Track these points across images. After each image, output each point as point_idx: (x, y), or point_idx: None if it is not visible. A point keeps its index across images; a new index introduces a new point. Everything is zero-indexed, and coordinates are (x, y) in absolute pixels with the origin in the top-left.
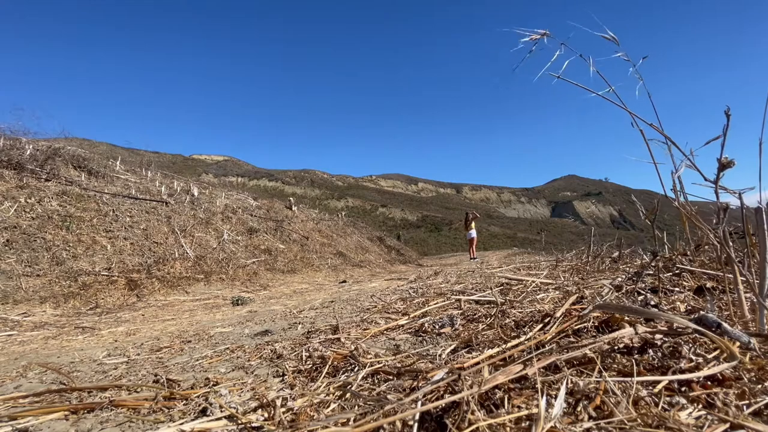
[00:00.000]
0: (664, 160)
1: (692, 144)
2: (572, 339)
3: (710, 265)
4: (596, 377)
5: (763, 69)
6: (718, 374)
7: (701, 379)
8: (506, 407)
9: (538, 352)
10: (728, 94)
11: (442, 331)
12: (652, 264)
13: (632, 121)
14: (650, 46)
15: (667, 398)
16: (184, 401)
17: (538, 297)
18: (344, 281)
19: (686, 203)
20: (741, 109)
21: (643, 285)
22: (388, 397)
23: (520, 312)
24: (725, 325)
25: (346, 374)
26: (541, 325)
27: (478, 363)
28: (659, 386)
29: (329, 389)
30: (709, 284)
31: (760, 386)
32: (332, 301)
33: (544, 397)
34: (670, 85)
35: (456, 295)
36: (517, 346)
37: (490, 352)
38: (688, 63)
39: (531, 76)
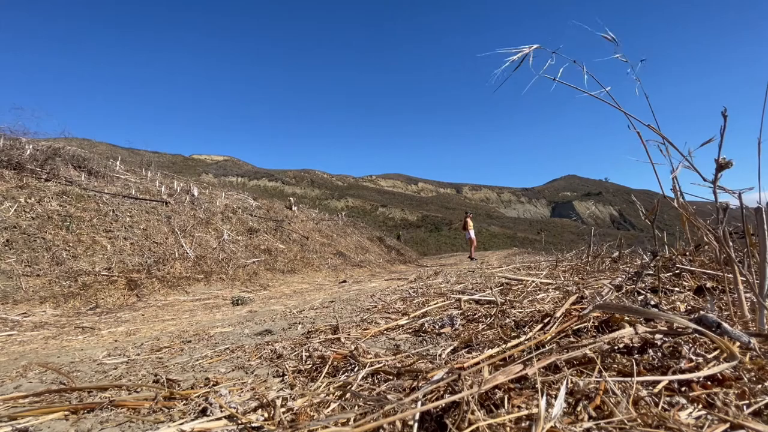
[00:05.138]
0: (662, 161)
1: (691, 144)
2: (572, 339)
3: (710, 265)
4: (596, 377)
5: (763, 69)
6: (718, 374)
7: (701, 379)
8: (506, 407)
9: (538, 352)
10: (728, 94)
11: (442, 331)
12: (652, 264)
13: (629, 123)
14: (649, 46)
15: (667, 398)
16: (184, 401)
17: (538, 297)
18: (344, 281)
19: (685, 203)
20: (740, 108)
21: (643, 285)
22: (388, 397)
23: (520, 312)
24: (725, 325)
25: (346, 374)
26: (541, 325)
27: (478, 363)
28: (659, 386)
29: (329, 389)
30: (709, 284)
31: (760, 386)
32: (332, 301)
33: (544, 397)
34: (670, 85)
35: (456, 295)
36: (517, 346)
37: (490, 352)
38: (688, 63)
39: (529, 79)
